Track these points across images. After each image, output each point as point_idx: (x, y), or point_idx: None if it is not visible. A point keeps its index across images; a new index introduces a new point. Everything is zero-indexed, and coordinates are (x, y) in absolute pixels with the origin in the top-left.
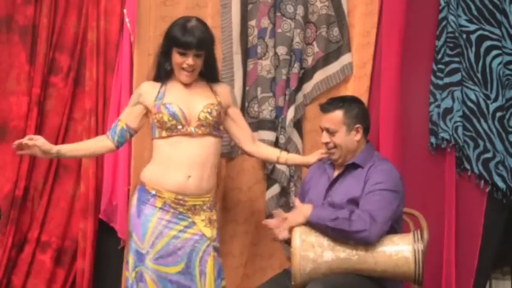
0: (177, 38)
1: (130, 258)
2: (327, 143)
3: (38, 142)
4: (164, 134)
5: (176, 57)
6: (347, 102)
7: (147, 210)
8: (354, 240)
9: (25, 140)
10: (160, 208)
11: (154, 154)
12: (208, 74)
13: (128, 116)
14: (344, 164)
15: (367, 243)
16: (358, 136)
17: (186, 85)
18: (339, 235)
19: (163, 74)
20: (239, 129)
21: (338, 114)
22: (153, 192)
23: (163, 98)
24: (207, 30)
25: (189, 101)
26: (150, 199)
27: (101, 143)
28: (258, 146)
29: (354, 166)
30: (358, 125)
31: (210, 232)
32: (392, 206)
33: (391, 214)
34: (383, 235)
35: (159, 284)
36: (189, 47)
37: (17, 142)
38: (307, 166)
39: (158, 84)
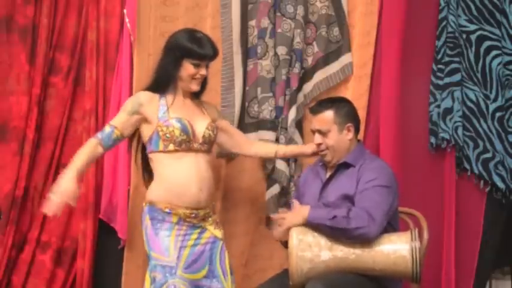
0: (192, 49)
1: (155, 277)
2: (319, 145)
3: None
4: (171, 147)
5: (189, 68)
6: (336, 102)
7: (164, 227)
8: (353, 237)
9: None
10: (176, 223)
11: (160, 169)
12: (201, 90)
13: (124, 124)
14: (336, 164)
15: (366, 239)
16: (350, 135)
17: (186, 101)
18: (338, 233)
19: (167, 85)
20: (232, 137)
21: (329, 114)
22: (168, 210)
23: (169, 111)
24: (212, 40)
25: (193, 118)
26: (165, 217)
27: (95, 153)
28: (255, 146)
29: (346, 165)
30: (349, 124)
31: (219, 233)
32: (388, 201)
33: (387, 209)
34: (381, 231)
35: None
36: (205, 58)
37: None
38: (305, 156)
39: (156, 96)
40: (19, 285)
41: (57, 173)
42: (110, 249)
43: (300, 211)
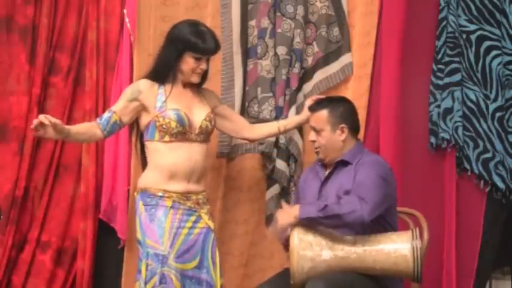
0: (195, 43)
1: (148, 265)
2: (313, 141)
3: (53, 120)
4: (167, 138)
5: (190, 62)
6: (333, 102)
7: (159, 212)
8: (347, 222)
9: (42, 118)
10: (171, 207)
11: (154, 158)
12: (202, 80)
13: (123, 110)
14: (333, 163)
15: (361, 222)
16: (343, 136)
17: (185, 90)
18: (332, 222)
19: (166, 75)
20: (233, 122)
21: (323, 113)
22: (160, 193)
23: (167, 102)
24: (215, 34)
25: (191, 108)
26: (159, 201)
27: (92, 132)
28: (256, 128)
29: (343, 163)
30: (342, 125)
31: (212, 224)
32: (381, 190)
33: (381, 197)
34: (376, 214)
35: (180, 282)
36: (208, 53)
37: (36, 122)
38: (305, 123)
39: (156, 85)
40: (19, 285)
41: (57, 173)
42: (110, 249)
43: (290, 211)
